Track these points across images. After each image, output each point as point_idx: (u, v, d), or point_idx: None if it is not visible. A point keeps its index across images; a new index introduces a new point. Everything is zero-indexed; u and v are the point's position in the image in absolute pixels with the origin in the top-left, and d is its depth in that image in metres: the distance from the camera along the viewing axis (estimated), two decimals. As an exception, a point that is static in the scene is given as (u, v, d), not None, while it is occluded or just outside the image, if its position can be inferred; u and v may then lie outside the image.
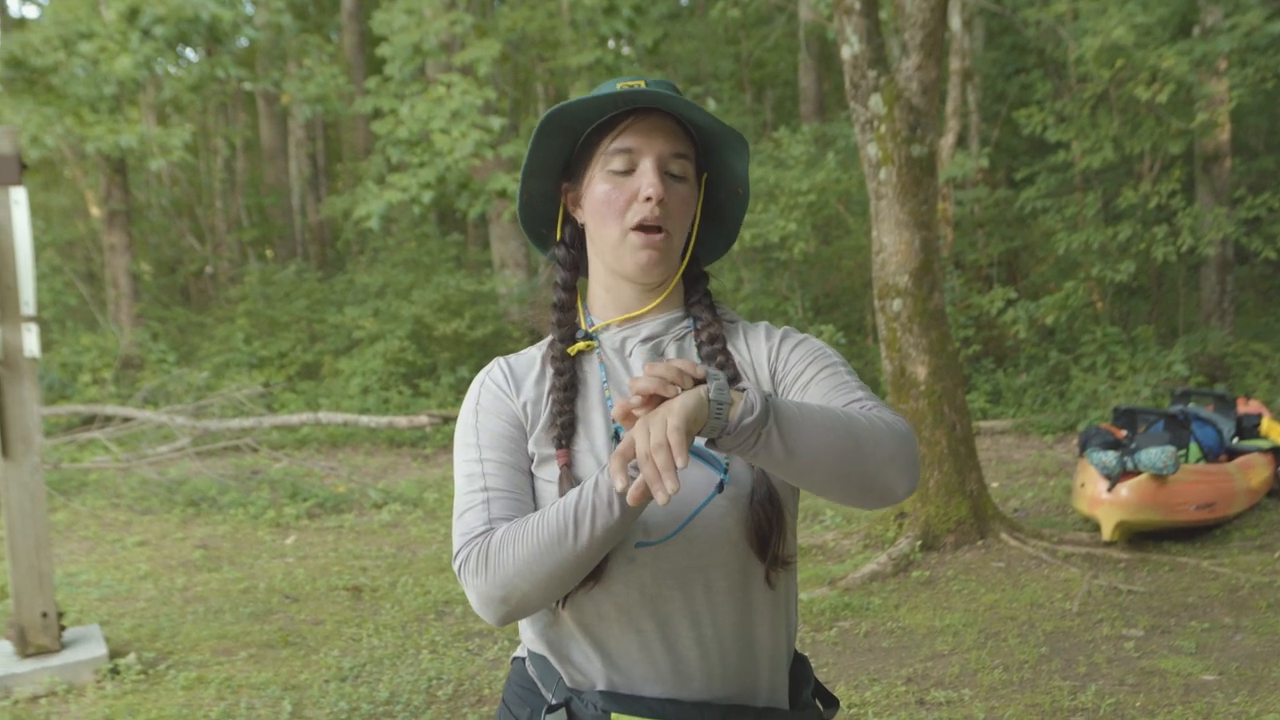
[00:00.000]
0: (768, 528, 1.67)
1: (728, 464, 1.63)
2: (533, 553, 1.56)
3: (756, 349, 1.81)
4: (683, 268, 1.82)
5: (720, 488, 1.59)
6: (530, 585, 1.58)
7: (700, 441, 1.51)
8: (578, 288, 1.84)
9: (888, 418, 1.59)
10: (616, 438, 1.68)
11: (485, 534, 1.63)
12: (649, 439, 1.35)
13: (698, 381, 1.43)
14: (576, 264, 1.84)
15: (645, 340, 1.78)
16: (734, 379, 1.72)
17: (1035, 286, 14.80)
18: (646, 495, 1.39)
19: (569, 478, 1.66)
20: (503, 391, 1.76)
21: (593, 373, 1.77)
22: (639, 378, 1.41)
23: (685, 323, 1.82)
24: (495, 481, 1.70)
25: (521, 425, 1.74)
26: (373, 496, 9.42)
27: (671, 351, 1.79)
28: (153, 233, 21.15)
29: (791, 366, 1.77)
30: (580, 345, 1.78)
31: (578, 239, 1.84)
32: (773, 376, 1.78)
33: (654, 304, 1.80)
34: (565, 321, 1.81)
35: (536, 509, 1.69)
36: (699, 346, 1.78)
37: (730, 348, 1.80)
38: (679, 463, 1.33)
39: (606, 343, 1.80)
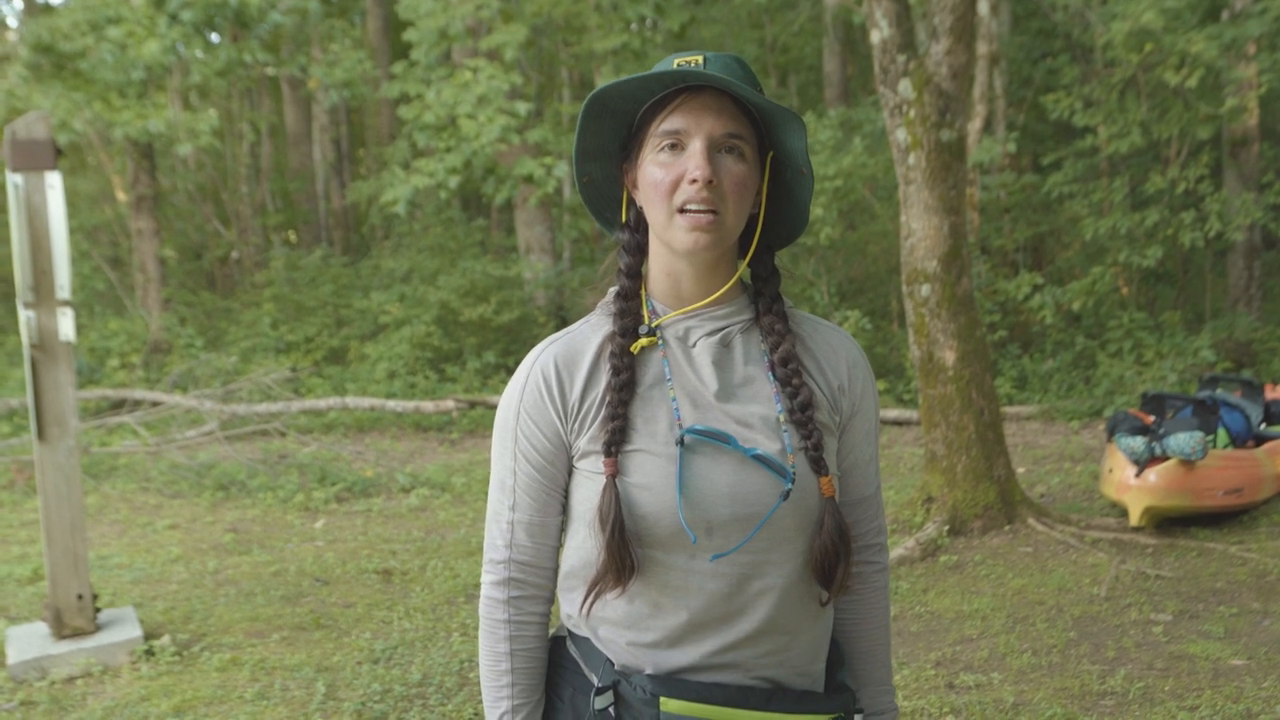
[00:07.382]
0: (834, 559, 1.68)
1: (794, 472, 1.65)
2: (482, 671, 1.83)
3: (831, 362, 1.79)
4: (749, 255, 1.77)
5: (786, 496, 1.64)
6: None
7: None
8: (642, 274, 1.78)
9: (884, 541, 1.93)
10: (681, 442, 1.64)
11: (497, 580, 1.78)
12: None
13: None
14: (642, 248, 1.77)
15: (710, 334, 1.73)
16: (805, 406, 1.70)
17: (1061, 272, 14.74)
18: None
19: (612, 489, 1.64)
20: (548, 394, 1.72)
21: (654, 364, 1.72)
22: None
23: (750, 312, 1.77)
24: (523, 500, 1.75)
25: (560, 435, 1.72)
26: (400, 481, 9.46)
27: (738, 344, 1.74)
28: (178, 218, 21.20)
29: (857, 422, 1.81)
30: (643, 342, 1.72)
31: (642, 222, 1.77)
32: (839, 404, 1.78)
33: (716, 295, 1.74)
34: (628, 311, 1.74)
35: (565, 513, 1.77)
36: (771, 367, 1.73)
37: (803, 361, 1.77)
38: None
39: (669, 332, 1.74)
